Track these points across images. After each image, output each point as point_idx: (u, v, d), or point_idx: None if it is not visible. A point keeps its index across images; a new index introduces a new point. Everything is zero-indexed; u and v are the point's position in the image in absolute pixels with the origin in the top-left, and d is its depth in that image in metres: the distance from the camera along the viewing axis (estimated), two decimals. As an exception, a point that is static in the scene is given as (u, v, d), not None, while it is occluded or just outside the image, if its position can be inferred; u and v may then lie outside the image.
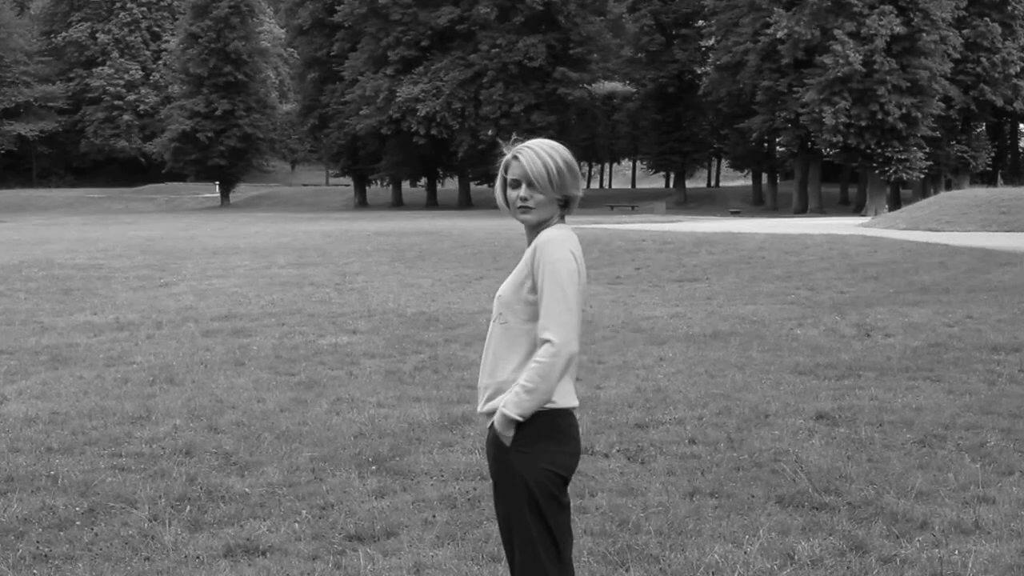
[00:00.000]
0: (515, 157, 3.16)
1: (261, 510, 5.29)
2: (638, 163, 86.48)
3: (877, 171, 53.27)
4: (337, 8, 65.30)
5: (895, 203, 55.37)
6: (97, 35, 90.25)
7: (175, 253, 22.81)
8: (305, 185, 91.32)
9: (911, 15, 50.65)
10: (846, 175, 67.16)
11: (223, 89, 69.69)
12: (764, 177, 66.59)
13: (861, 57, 49.44)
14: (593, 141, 78.47)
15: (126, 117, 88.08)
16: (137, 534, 4.93)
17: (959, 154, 58.93)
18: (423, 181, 73.28)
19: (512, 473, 3.10)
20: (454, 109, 61.34)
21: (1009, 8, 57.32)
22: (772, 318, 12.39)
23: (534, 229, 3.16)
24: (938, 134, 54.51)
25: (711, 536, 4.85)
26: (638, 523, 4.99)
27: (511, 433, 3.08)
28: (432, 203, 69.96)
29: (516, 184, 3.15)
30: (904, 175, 53.20)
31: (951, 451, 6.27)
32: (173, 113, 72.41)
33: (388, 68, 62.81)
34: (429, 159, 67.38)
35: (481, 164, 62.59)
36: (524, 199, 3.13)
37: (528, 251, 3.13)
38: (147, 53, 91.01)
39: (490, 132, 61.50)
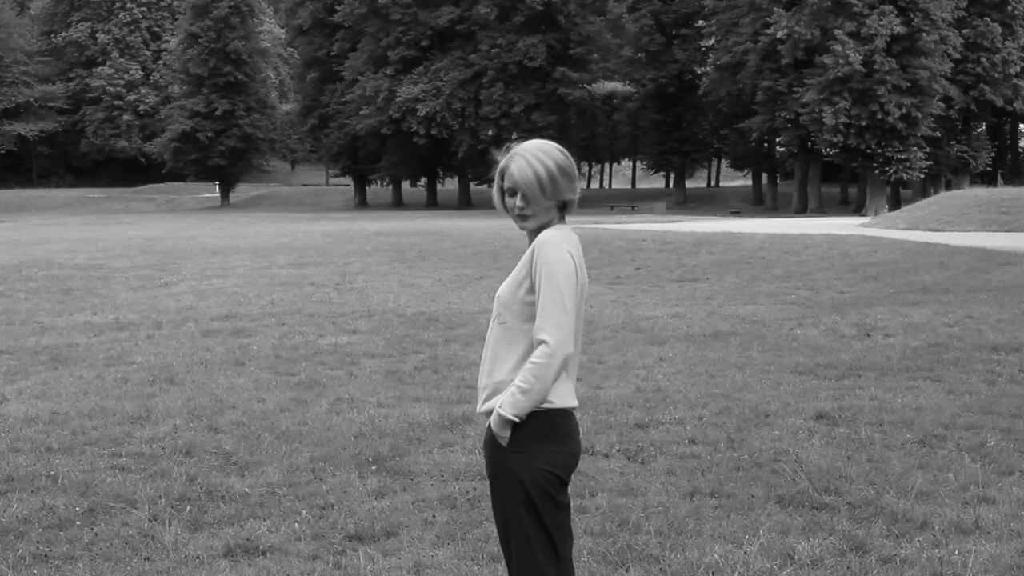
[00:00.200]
0: (508, 165, 3.16)
1: (261, 510, 5.29)
2: (638, 163, 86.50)
3: (877, 171, 53.28)
4: (337, 8, 65.31)
5: (895, 203, 55.38)
6: (97, 35, 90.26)
7: (175, 253, 22.81)
8: (305, 185, 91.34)
9: (911, 15, 50.66)
10: (846, 175, 67.18)
11: (223, 89, 69.70)
12: (764, 177, 66.60)
13: (861, 57, 49.44)
14: (593, 141, 78.48)
15: (126, 117, 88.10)
16: (137, 534, 4.93)
17: (959, 154, 58.94)
18: (423, 181, 73.28)
19: (508, 473, 3.10)
20: (454, 109, 61.35)
21: (1009, 8, 57.33)
22: (772, 318, 12.39)
23: (534, 232, 3.17)
24: (938, 134, 54.52)
25: (711, 536, 4.85)
26: (638, 523, 4.99)
27: (507, 433, 3.08)
28: (432, 203, 69.97)
29: (512, 192, 3.15)
30: (904, 175, 53.22)
31: (951, 451, 6.27)
32: (173, 113, 72.43)
33: (388, 68, 62.82)
34: (429, 159, 67.39)
35: (481, 164, 62.57)
36: (521, 207, 3.14)
37: (527, 252, 3.14)
38: (147, 53, 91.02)
39: (490, 132, 61.54)
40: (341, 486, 5.66)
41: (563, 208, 3.18)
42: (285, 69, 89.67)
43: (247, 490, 5.59)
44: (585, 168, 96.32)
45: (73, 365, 9.57)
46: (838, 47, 49.50)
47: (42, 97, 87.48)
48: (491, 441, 3.15)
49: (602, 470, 5.90)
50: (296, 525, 5.04)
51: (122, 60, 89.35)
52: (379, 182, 75.53)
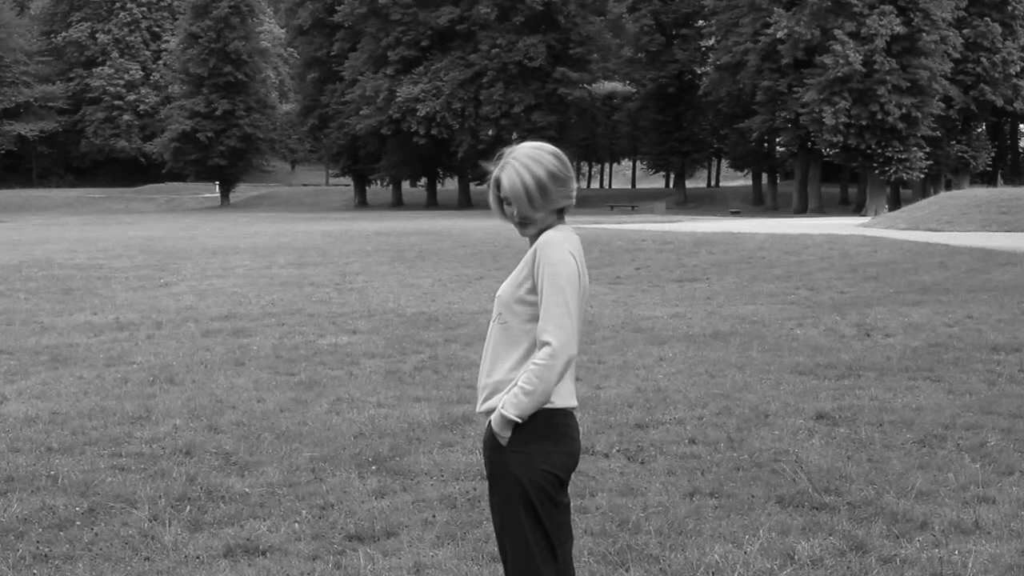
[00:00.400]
0: (500, 175, 3.15)
1: (261, 510, 5.29)
2: (638, 163, 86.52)
3: (877, 171, 53.29)
4: (337, 8, 65.31)
5: (895, 203, 55.39)
6: (97, 35, 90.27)
7: (175, 253, 22.81)
8: (305, 185, 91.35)
9: (911, 15, 50.67)
10: (846, 175, 67.20)
11: (223, 89, 69.71)
12: (764, 177, 66.63)
13: (861, 57, 49.46)
14: (593, 141, 78.54)
15: (126, 117, 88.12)
16: (137, 534, 4.93)
17: (959, 154, 58.96)
18: (423, 181, 73.29)
19: (507, 473, 3.10)
20: (454, 109, 61.35)
21: (1009, 8, 57.35)
22: (772, 318, 12.39)
23: (535, 235, 3.17)
24: (938, 134, 54.55)
25: (711, 536, 4.85)
26: (638, 523, 4.99)
27: (508, 433, 3.08)
28: (432, 203, 69.97)
29: (508, 202, 3.16)
30: (904, 175, 53.23)
31: (951, 451, 6.27)
32: (173, 113, 72.44)
33: (388, 68, 62.84)
34: (429, 159, 67.40)
35: (481, 164, 62.48)
36: (519, 216, 3.14)
37: (529, 252, 3.14)
38: (147, 53, 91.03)
39: (490, 132, 61.55)
40: (341, 486, 5.66)
41: (561, 211, 3.18)
42: (285, 69, 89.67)
43: (247, 490, 5.59)
44: (585, 168, 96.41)
45: (73, 365, 9.57)
46: (838, 47, 49.51)
47: (42, 97, 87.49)
48: (490, 440, 3.15)
49: (602, 470, 5.90)
50: (296, 525, 5.04)
51: (122, 60, 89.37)
52: (379, 182, 75.53)
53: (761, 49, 54.06)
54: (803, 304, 13.91)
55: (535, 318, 3.08)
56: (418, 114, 60.89)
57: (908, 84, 50.90)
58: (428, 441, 6.58)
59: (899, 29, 49.83)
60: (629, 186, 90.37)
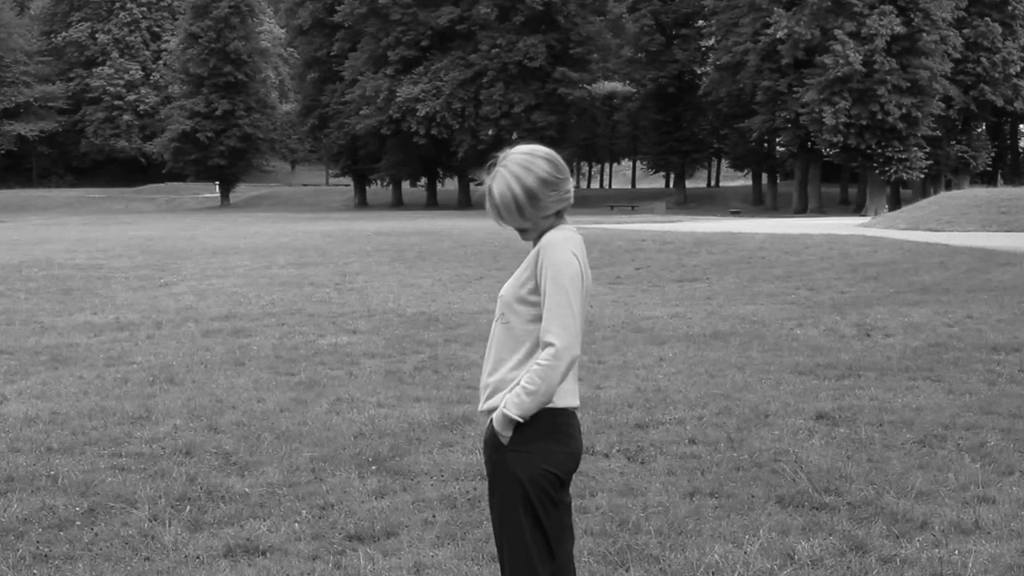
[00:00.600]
0: (491, 185, 3.15)
1: (261, 510, 5.29)
2: (638, 163, 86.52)
3: (877, 171, 53.30)
4: (337, 8, 65.32)
5: (895, 203, 55.40)
6: (97, 35, 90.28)
7: (175, 253, 22.81)
8: (305, 185, 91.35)
9: (911, 15, 50.68)
10: (846, 175, 67.21)
11: (223, 89, 69.71)
12: (764, 177, 66.64)
13: (861, 57, 49.46)
14: (593, 141, 78.56)
15: (126, 117, 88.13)
16: (137, 534, 4.93)
17: (959, 154, 58.97)
18: (423, 181, 73.29)
19: (508, 472, 3.10)
20: (454, 109, 61.36)
21: (1009, 8, 57.37)
22: (772, 318, 12.39)
23: (537, 238, 3.17)
24: (938, 134, 54.55)
25: (711, 536, 4.85)
26: (638, 523, 4.99)
27: (509, 433, 3.08)
28: (432, 203, 69.98)
29: (500, 212, 3.17)
30: (904, 175, 53.24)
31: (951, 451, 6.27)
32: (173, 113, 72.45)
33: (388, 68, 62.84)
34: (429, 159, 67.40)
35: (481, 164, 62.14)
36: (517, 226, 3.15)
37: (532, 253, 3.14)
38: (147, 53, 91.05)
39: (490, 132, 61.55)
40: (341, 486, 5.66)
41: (560, 212, 3.18)
42: (285, 69, 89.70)
43: (247, 490, 5.59)
44: (585, 168, 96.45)
45: (73, 365, 9.57)
46: (838, 47, 49.52)
47: (42, 97, 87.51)
48: (492, 439, 3.15)
49: (602, 470, 5.90)
50: (296, 525, 5.04)
51: (122, 60, 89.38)
52: (379, 182, 75.53)
53: (761, 49, 54.07)
54: (803, 304, 13.91)
55: (537, 318, 3.08)
56: (418, 114, 60.90)
57: (908, 84, 50.91)
58: (428, 441, 6.58)
59: (899, 29, 49.83)
60: (629, 186, 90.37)
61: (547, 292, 3.04)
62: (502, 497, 3.14)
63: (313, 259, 21.36)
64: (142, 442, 6.60)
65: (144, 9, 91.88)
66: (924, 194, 54.20)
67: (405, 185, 75.77)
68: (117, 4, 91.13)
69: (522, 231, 3.17)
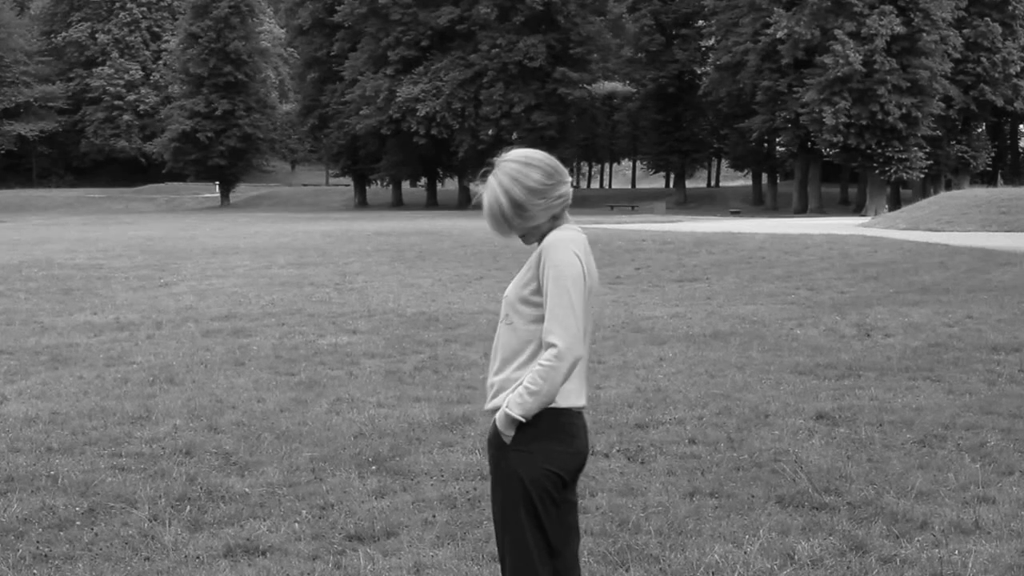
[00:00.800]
0: (482, 195, 3.16)
1: (261, 510, 5.29)
2: (638, 163, 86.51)
3: (877, 171, 53.29)
4: (337, 8, 65.31)
5: (895, 203, 55.40)
6: (97, 35, 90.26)
7: (175, 253, 22.80)
8: (305, 185, 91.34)
9: (911, 15, 50.67)
10: (846, 175, 67.21)
11: (223, 89, 69.70)
12: (764, 177, 66.63)
13: (861, 57, 49.46)
14: (593, 141, 78.53)
15: (126, 117, 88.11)
16: (137, 534, 4.93)
17: (959, 154, 58.96)
18: (423, 181, 73.28)
19: (510, 471, 3.11)
20: (454, 109, 61.36)
21: (1009, 8, 57.35)
22: (772, 318, 12.39)
23: (539, 240, 3.17)
24: (938, 134, 54.54)
25: (711, 536, 4.85)
26: (638, 523, 4.99)
27: (512, 432, 3.09)
28: (432, 203, 69.97)
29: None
30: (904, 175, 53.23)
31: (951, 451, 6.27)
32: (173, 113, 72.43)
33: (388, 68, 62.83)
34: (429, 159, 67.39)
35: (481, 164, 61.94)
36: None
37: (534, 254, 3.14)
38: (147, 53, 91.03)
39: (490, 132, 61.54)
40: (341, 486, 5.66)
41: (556, 217, 3.16)
42: (285, 69, 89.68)
43: (247, 490, 5.59)
44: (585, 168, 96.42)
45: (73, 365, 9.57)
46: (838, 47, 49.51)
47: (42, 97, 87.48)
48: (494, 438, 3.15)
49: (602, 470, 5.90)
50: (296, 525, 5.04)
51: (122, 60, 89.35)
52: (379, 182, 75.52)
53: (761, 49, 54.06)
54: (803, 304, 13.91)
55: (540, 319, 3.08)
56: (418, 114, 60.89)
57: (908, 84, 50.90)
58: (428, 441, 6.58)
59: (899, 29, 49.83)
60: (629, 186, 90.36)
61: (549, 293, 3.04)
62: (504, 496, 3.14)
63: (313, 259, 21.36)
64: (142, 442, 6.60)
65: (144, 9, 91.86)
66: (924, 194, 54.20)
67: (405, 185, 75.76)
68: (117, 4, 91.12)
69: (521, 236, 3.17)
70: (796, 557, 4.56)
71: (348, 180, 79.43)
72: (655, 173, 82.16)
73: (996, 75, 56.79)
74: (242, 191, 78.36)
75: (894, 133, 52.04)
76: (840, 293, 15.18)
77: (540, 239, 3.15)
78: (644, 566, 4.50)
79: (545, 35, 61.84)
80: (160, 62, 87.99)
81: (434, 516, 5.14)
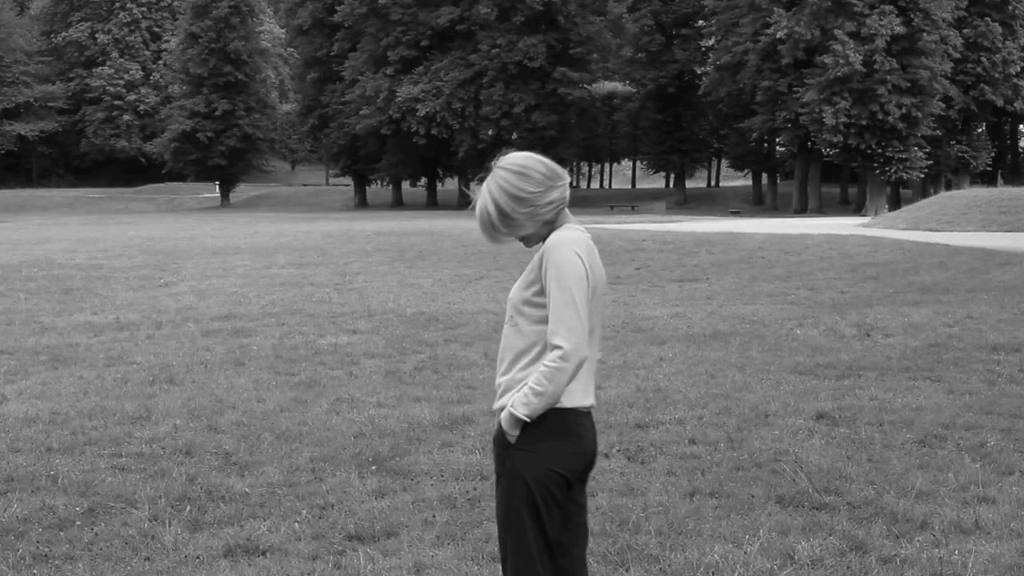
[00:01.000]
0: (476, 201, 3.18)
1: (261, 510, 5.29)
2: (638, 163, 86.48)
3: (877, 171, 53.29)
4: (337, 8, 65.29)
5: (895, 203, 55.40)
6: (97, 35, 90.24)
7: (175, 253, 22.80)
8: (305, 185, 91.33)
9: (911, 15, 50.67)
10: (846, 175, 67.21)
11: (223, 89, 69.68)
12: (764, 177, 66.62)
13: (861, 57, 49.46)
14: (593, 141, 78.47)
15: (126, 117, 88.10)
16: (137, 534, 4.93)
17: (959, 154, 58.97)
18: (423, 181, 73.28)
19: (514, 471, 3.11)
20: (454, 109, 61.35)
21: (1009, 8, 57.36)
22: (772, 318, 12.39)
23: (540, 242, 3.17)
24: (938, 134, 54.54)
25: (711, 536, 4.85)
26: (638, 523, 4.99)
27: (517, 432, 3.09)
28: (432, 203, 69.95)
29: None
30: (904, 175, 53.23)
31: (951, 451, 6.27)
32: (173, 113, 72.41)
33: (388, 68, 62.81)
34: (429, 159, 67.38)
35: (481, 164, 62.24)
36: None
37: (537, 255, 3.14)
38: (147, 53, 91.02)
39: (490, 132, 61.53)
40: (341, 486, 5.66)
41: (550, 222, 3.16)
42: (285, 69, 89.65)
43: (247, 490, 5.59)
44: (585, 168, 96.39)
45: (73, 365, 9.57)
46: (838, 47, 49.51)
47: (42, 97, 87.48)
48: (499, 438, 3.15)
49: (602, 470, 5.89)
50: (296, 525, 5.04)
51: (122, 60, 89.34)
52: (379, 182, 75.51)
53: (761, 49, 54.05)
54: (803, 304, 13.91)
55: (544, 320, 3.08)
56: (418, 114, 60.88)
57: (908, 84, 50.90)
58: (428, 441, 6.58)
59: (899, 29, 49.82)
60: (629, 186, 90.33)
61: (551, 294, 3.04)
62: (507, 495, 3.14)
63: (313, 259, 21.36)
64: (142, 442, 6.60)
65: (144, 9, 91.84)
66: (924, 194, 54.20)
67: (405, 185, 75.74)
68: (117, 4, 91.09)
69: (521, 239, 3.17)
70: (796, 557, 4.56)
71: (348, 180, 79.41)
72: (655, 173, 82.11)
73: (996, 75, 56.80)
74: (242, 191, 78.35)
75: (894, 133, 52.03)
76: (840, 293, 15.18)
77: (543, 239, 3.15)
78: (644, 566, 4.50)
79: (545, 35, 61.82)
80: (160, 62, 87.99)
81: (434, 516, 5.14)
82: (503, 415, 3.11)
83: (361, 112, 63.00)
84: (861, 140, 51.93)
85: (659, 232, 27.43)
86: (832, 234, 25.81)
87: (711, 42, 65.06)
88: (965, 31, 55.01)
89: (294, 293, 15.75)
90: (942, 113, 53.59)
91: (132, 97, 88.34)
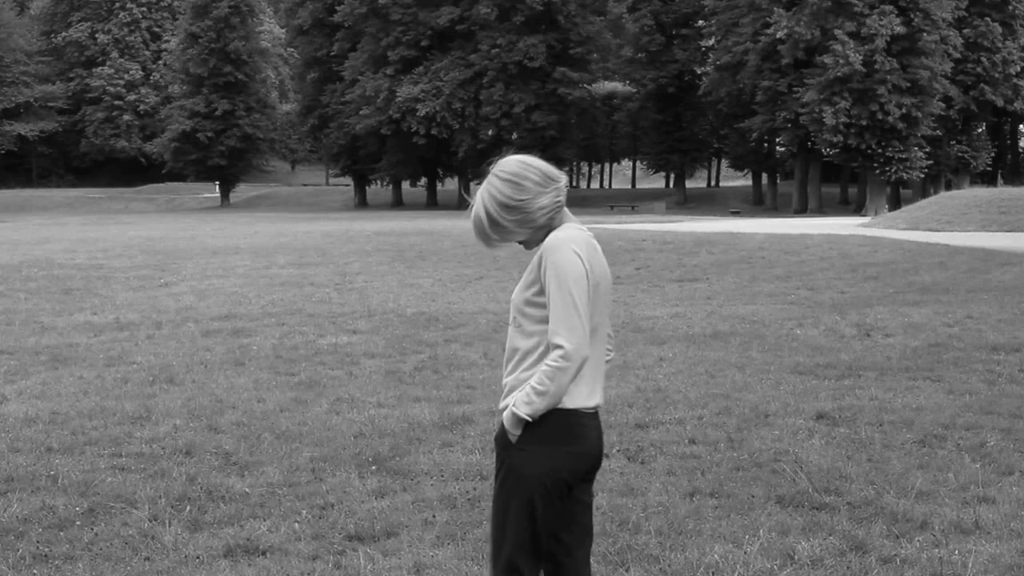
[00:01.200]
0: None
1: (261, 510, 5.29)
2: (638, 163, 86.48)
3: (877, 171, 53.29)
4: (337, 8, 65.29)
5: (895, 203, 55.40)
6: (97, 35, 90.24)
7: (175, 253, 22.80)
8: (305, 185, 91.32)
9: (911, 15, 50.67)
10: (846, 175, 67.21)
11: (223, 89, 69.68)
12: (764, 177, 66.62)
13: (861, 57, 49.45)
14: (593, 141, 78.47)
15: (126, 117, 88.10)
16: (137, 534, 4.93)
17: (959, 154, 58.97)
18: (423, 181, 73.28)
19: (513, 469, 3.11)
20: (454, 109, 61.34)
21: (1009, 8, 57.36)
22: (772, 318, 12.39)
23: (539, 242, 3.16)
24: (938, 134, 54.54)
25: (711, 536, 4.85)
26: (638, 523, 4.99)
27: (518, 431, 3.09)
28: (432, 203, 69.94)
29: None
30: (904, 175, 53.23)
31: (951, 451, 6.27)
32: (173, 113, 72.40)
33: (388, 68, 62.81)
34: (429, 159, 67.37)
35: (481, 164, 62.19)
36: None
37: (536, 256, 3.14)
38: (147, 53, 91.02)
39: (490, 132, 61.52)
40: (341, 486, 5.66)
41: (542, 228, 3.15)
42: (285, 69, 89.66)
43: (247, 490, 5.59)
44: (585, 168, 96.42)
45: (73, 365, 9.57)
46: (838, 47, 49.50)
47: (42, 97, 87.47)
48: (501, 437, 3.16)
49: (602, 470, 5.84)
50: (296, 525, 5.04)
51: (122, 60, 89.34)
52: (379, 182, 75.50)
53: (761, 49, 54.05)
54: (803, 304, 13.91)
55: (546, 320, 3.08)
56: (418, 114, 60.87)
57: (908, 84, 50.90)
58: (428, 441, 6.58)
59: (899, 29, 49.82)
60: (629, 186, 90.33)
61: (551, 294, 3.04)
62: (505, 493, 3.14)
63: (313, 259, 21.36)
64: (142, 442, 6.60)
65: (144, 9, 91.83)
66: (924, 194, 54.20)
67: (405, 185, 75.73)
68: (117, 4, 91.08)
69: (520, 242, 3.18)
70: (796, 557, 4.56)
71: (348, 180, 79.41)
72: (655, 173, 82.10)
73: (996, 75, 56.80)
74: (242, 191, 78.35)
75: (894, 133, 52.03)
76: (840, 293, 15.18)
77: (542, 240, 3.15)
78: (644, 566, 4.50)
79: (545, 35, 61.82)
80: (160, 62, 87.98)
81: (434, 516, 5.14)
82: (505, 414, 3.11)
83: (361, 112, 63.00)
84: (861, 140, 51.93)
85: (659, 232, 27.43)
86: (832, 234, 25.80)
87: (711, 42, 65.06)
88: (965, 31, 55.01)
89: (294, 293, 15.75)
90: (942, 113, 53.60)
91: (132, 97, 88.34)
